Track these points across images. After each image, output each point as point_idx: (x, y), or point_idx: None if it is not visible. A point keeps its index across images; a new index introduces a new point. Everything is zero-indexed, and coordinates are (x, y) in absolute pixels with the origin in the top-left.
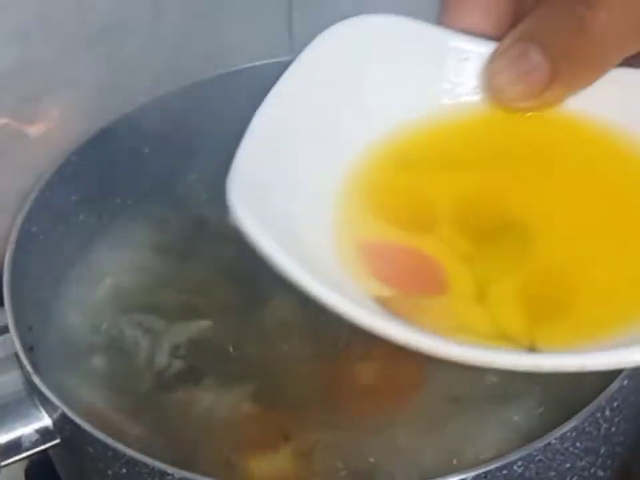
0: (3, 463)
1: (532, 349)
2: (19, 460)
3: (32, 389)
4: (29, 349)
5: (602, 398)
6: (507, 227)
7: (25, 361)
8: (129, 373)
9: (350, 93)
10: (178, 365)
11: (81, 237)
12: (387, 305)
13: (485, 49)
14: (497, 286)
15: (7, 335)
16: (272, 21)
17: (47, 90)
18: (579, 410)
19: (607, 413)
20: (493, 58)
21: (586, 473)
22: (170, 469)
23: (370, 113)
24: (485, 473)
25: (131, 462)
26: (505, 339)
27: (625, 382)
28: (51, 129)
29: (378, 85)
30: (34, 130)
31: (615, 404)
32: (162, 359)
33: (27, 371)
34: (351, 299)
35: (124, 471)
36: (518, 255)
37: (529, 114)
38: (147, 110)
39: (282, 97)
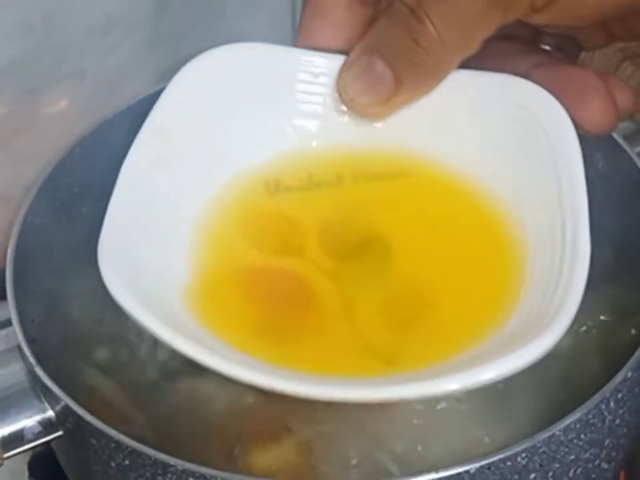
0: (6, 455)
1: (394, 362)
2: (22, 452)
3: (34, 381)
4: (32, 341)
5: (606, 389)
6: (369, 243)
7: (28, 353)
8: (131, 365)
9: (209, 129)
10: (181, 356)
11: (83, 229)
12: (262, 335)
13: (336, 62)
14: (361, 301)
15: (9, 328)
16: (275, 15)
17: (50, 82)
18: (583, 402)
19: (612, 404)
20: (342, 71)
21: (590, 465)
22: (173, 461)
23: (227, 148)
24: (488, 464)
25: (134, 453)
26: (369, 354)
27: (630, 373)
28: (54, 121)
29: (236, 117)
30: (37, 122)
31: (620, 395)
32: (165, 350)
33: (30, 363)
34: (201, 344)
35: (127, 462)
36: (379, 271)
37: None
38: (149, 102)
39: (145, 146)
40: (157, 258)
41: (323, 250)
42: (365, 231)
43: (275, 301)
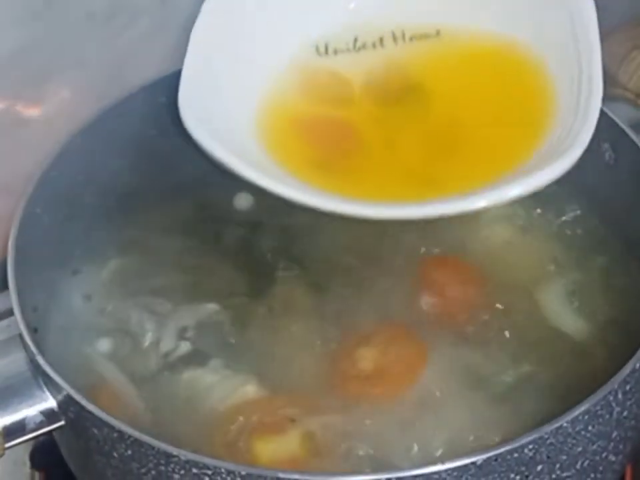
0: (7, 445)
1: (433, 183)
2: (23, 442)
3: (36, 370)
4: (34, 331)
5: (614, 381)
6: (409, 90)
7: (30, 342)
8: (134, 355)
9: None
10: (184, 347)
11: (85, 219)
12: (320, 168)
13: None
14: (404, 137)
15: (12, 318)
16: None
17: (54, 71)
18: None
19: (620, 396)
20: None
21: (597, 457)
22: (175, 451)
23: (289, 18)
24: (495, 455)
25: (136, 443)
26: (411, 178)
27: (638, 365)
28: (57, 110)
29: None
30: (40, 111)
31: (628, 387)
32: (168, 341)
33: (32, 352)
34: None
35: (129, 452)
36: (419, 112)
37: None
38: (152, 91)
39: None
40: (230, 103)
41: (369, 99)
42: (406, 81)
43: (329, 141)
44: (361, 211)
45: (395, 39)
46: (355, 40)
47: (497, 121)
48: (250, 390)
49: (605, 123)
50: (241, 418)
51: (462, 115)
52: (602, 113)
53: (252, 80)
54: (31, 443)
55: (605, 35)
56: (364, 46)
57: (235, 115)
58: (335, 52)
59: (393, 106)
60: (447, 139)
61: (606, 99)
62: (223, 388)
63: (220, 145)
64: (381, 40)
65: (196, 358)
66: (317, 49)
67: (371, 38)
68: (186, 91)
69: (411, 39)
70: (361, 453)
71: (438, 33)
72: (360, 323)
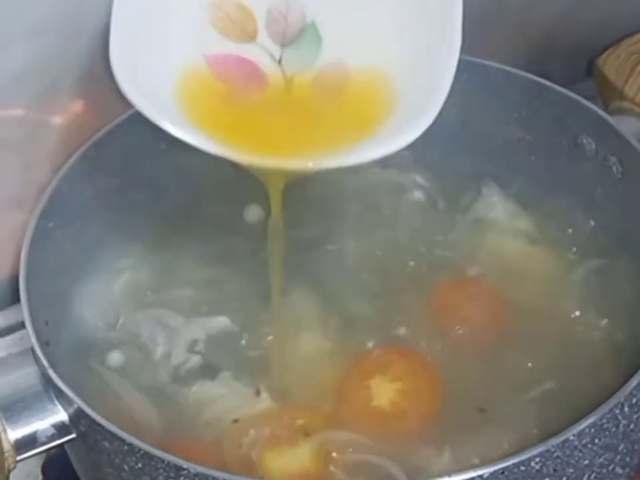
0: (19, 457)
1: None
2: (35, 454)
3: (48, 384)
4: (45, 344)
5: (620, 394)
6: (305, 29)
7: (41, 356)
8: (145, 368)
9: None
10: (195, 360)
11: (97, 233)
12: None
13: None
14: (298, 78)
15: (23, 331)
16: None
17: (65, 85)
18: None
19: (626, 409)
20: None
21: (604, 470)
22: (185, 464)
23: None
24: (502, 469)
25: (147, 456)
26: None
27: None
28: (69, 124)
29: None
30: (52, 125)
31: (634, 400)
32: (179, 354)
33: (43, 366)
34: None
35: (139, 465)
36: (311, 49)
37: None
38: None
39: None
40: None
41: (270, 36)
42: (303, 18)
43: (240, 79)
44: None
45: None
46: None
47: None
48: (261, 403)
49: (611, 136)
50: (252, 431)
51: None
52: (609, 126)
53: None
54: (43, 455)
55: (611, 49)
56: None
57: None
58: None
59: (290, 46)
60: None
61: (612, 112)
62: (234, 401)
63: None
64: None
65: (206, 371)
66: None
67: None
68: (116, 43)
69: None
70: (372, 468)
71: None
72: (373, 339)
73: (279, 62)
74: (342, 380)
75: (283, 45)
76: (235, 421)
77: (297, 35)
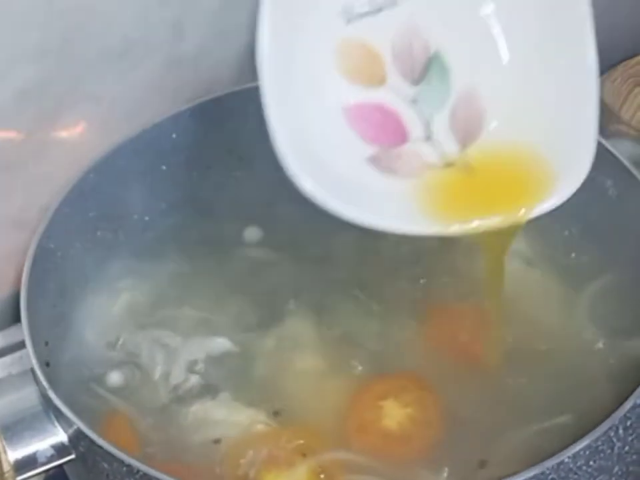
0: (19, 478)
1: (468, 168)
2: (34, 475)
3: (48, 404)
4: (45, 365)
5: (615, 416)
6: (430, 59)
7: (41, 376)
8: (144, 388)
9: None
10: (194, 380)
11: (97, 253)
12: (375, 162)
13: None
14: (436, 121)
15: (23, 351)
16: None
17: (69, 106)
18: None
19: (620, 431)
20: None
21: None
22: None
23: None
24: None
25: (145, 477)
26: (449, 165)
27: (639, 400)
28: (71, 145)
29: None
30: (54, 145)
31: (629, 422)
32: (178, 374)
33: (43, 387)
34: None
35: None
36: (440, 81)
37: None
38: (165, 126)
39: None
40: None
41: (399, 74)
42: (428, 49)
43: (379, 133)
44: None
45: None
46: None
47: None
48: (259, 423)
49: (607, 159)
50: (250, 451)
51: (482, 87)
52: (605, 149)
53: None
54: (42, 475)
55: (607, 72)
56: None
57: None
58: (360, 16)
59: (420, 83)
60: (472, 116)
61: (609, 135)
62: (233, 421)
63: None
64: None
65: (206, 391)
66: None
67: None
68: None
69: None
70: None
71: None
72: (373, 363)
73: (414, 102)
74: (350, 398)
75: (414, 83)
76: (234, 441)
77: (425, 69)
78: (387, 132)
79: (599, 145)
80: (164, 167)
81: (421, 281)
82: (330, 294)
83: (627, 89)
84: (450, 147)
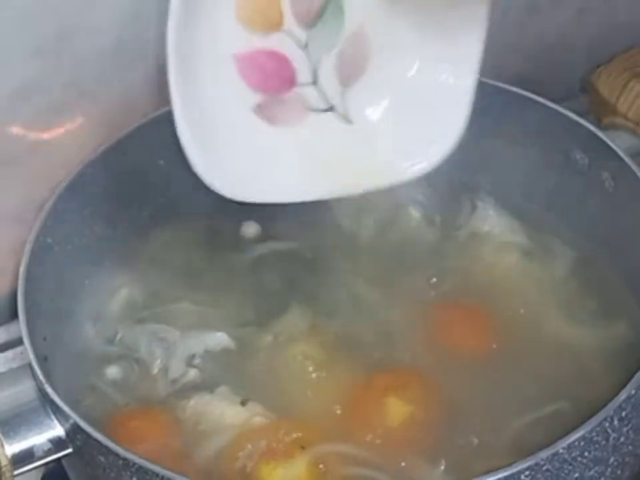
0: (16, 472)
1: (346, 115)
2: (32, 469)
3: (45, 399)
4: (43, 359)
5: (610, 407)
6: (328, 1)
7: (38, 371)
8: (143, 382)
9: None
10: (192, 374)
11: (95, 248)
12: (260, 111)
13: None
14: (323, 64)
15: (24, 346)
16: None
17: (65, 103)
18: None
19: (615, 422)
20: None
21: None
22: (179, 478)
23: None
24: None
25: (141, 470)
26: (330, 109)
27: (634, 391)
28: (69, 141)
29: None
30: (52, 142)
31: (624, 413)
32: (176, 368)
33: (40, 381)
34: None
35: (134, 479)
36: (335, 25)
37: None
38: (161, 122)
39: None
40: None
41: (294, 17)
42: None
43: (267, 80)
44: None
45: None
46: None
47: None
48: (257, 416)
49: (604, 151)
50: (249, 444)
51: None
52: (602, 141)
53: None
54: (42, 469)
55: (604, 65)
56: None
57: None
58: None
59: (314, 27)
60: (356, 60)
61: (605, 128)
62: (231, 414)
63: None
64: None
65: (204, 385)
66: None
67: None
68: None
69: None
70: None
71: None
72: (370, 358)
73: (305, 46)
74: (349, 393)
75: (307, 27)
76: (232, 434)
77: (321, 10)
78: (274, 79)
79: (596, 137)
80: (161, 162)
81: (433, 280)
82: (328, 288)
83: (622, 82)
84: (332, 89)
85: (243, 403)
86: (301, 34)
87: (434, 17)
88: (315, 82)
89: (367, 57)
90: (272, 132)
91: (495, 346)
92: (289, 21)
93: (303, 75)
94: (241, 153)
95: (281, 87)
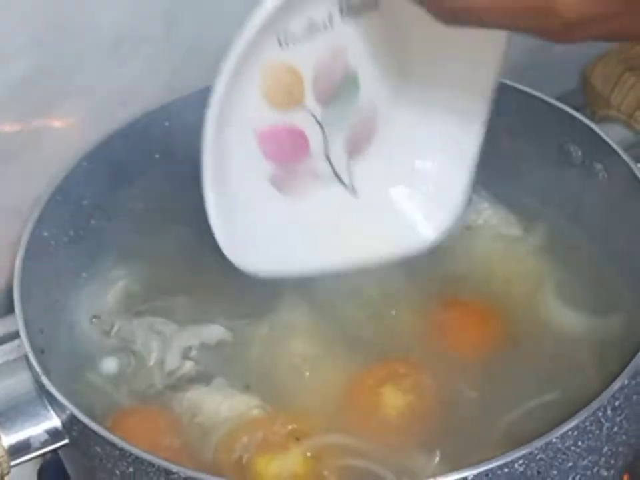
0: (13, 463)
1: (352, 187)
2: (28, 460)
3: (41, 390)
4: (40, 352)
5: (603, 397)
6: (346, 79)
7: (35, 363)
8: (139, 374)
9: None
10: (188, 366)
11: (91, 241)
12: (274, 181)
13: None
14: (336, 139)
15: (19, 339)
16: None
17: (62, 97)
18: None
19: (609, 412)
20: None
21: (589, 472)
22: (175, 468)
23: None
24: (486, 471)
25: (137, 461)
26: (337, 177)
27: (627, 381)
28: (65, 135)
29: None
30: (48, 136)
31: (617, 403)
32: (173, 360)
33: (36, 372)
34: None
35: (131, 469)
36: (349, 100)
37: None
38: (157, 116)
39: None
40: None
41: (314, 95)
42: (346, 68)
43: (283, 152)
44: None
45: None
46: (310, 23)
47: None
48: (253, 408)
49: (597, 144)
50: (245, 436)
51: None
52: (595, 134)
53: None
54: (39, 460)
55: (598, 58)
56: (316, 28)
57: None
58: (294, 41)
59: (332, 103)
60: (364, 133)
61: (599, 120)
62: (227, 406)
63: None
64: (330, 18)
65: (200, 377)
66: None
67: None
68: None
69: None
70: (363, 472)
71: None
72: (366, 349)
73: (321, 122)
74: (349, 383)
75: (325, 105)
76: (228, 426)
77: (338, 89)
78: (290, 151)
79: (589, 129)
80: (157, 156)
81: (428, 273)
82: (324, 280)
83: (617, 75)
84: (340, 161)
85: (247, 388)
86: (318, 110)
87: (439, 99)
88: (326, 154)
89: (374, 129)
90: (285, 203)
91: (489, 337)
92: (309, 98)
93: (316, 148)
94: (259, 226)
95: (295, 159)
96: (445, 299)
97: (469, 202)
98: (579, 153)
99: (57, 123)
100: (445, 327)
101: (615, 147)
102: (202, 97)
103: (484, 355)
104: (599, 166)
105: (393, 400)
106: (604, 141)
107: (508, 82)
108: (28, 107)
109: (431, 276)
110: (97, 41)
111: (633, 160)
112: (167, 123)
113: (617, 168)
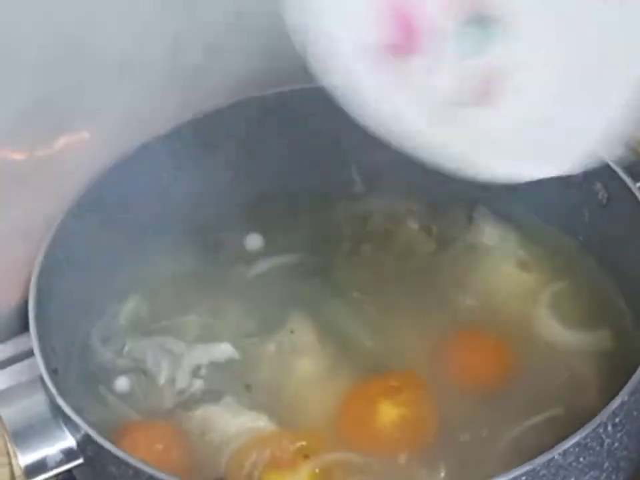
0: None
1: None
2: (44, 479)
3: (56, 411)
4: (53, 371)
5: (604, 413)
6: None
7: (50, 384)
8: (150, 393)
9: None
10: (199, 384)
11: (104, 262)
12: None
13: None
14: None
15: (32, 358)
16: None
17: (71, 120)
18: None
19: (609, 428)
20: None
21: None
22: None
23: None
24: None
25: None
26: None
27: (627, 397)
28: (75, 157)
29: None
30: (57, 159)
31: (617, 419)
32: (183, 378)
33: (51, 393)
34: None
35: None
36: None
37: None
38: (166, 139)
39: None
40: None
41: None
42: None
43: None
44: None
45: None
46: None
47: None
48: (262, 426)
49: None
50: (254, 453)
51: None
52: None
53: None
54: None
55: None
56: None
57: None
58: None
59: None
60: None
61: None
62: (236, 424)
63: None
64: None
65: (209, 395)
66: None
67: None
68: None
69: None
70: None
71: None
72: (372, 366)
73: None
74: (346, 399)
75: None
76: (238, 443)
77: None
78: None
79: None
80: (165, 176)
81: (431, 291)
82: (329, 299)
83: None
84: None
85: (247, 388)
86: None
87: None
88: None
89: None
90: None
91: (492, 360)
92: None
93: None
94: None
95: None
96: (447, 317)
97: (471, 221)
98: (579, 172)
99: (66, 145)
100: (447, 343)
101: (615, 167)
102: (211, 120)
103: (487, 377)
104: (598, 185)
105: (400, 418)
106: (604, 160)
107: None
108: (38, 130)
109: (434, 294)
110: (104, 63)
111: (631, 179)
112: (178, 145)
113: (616, 187)
